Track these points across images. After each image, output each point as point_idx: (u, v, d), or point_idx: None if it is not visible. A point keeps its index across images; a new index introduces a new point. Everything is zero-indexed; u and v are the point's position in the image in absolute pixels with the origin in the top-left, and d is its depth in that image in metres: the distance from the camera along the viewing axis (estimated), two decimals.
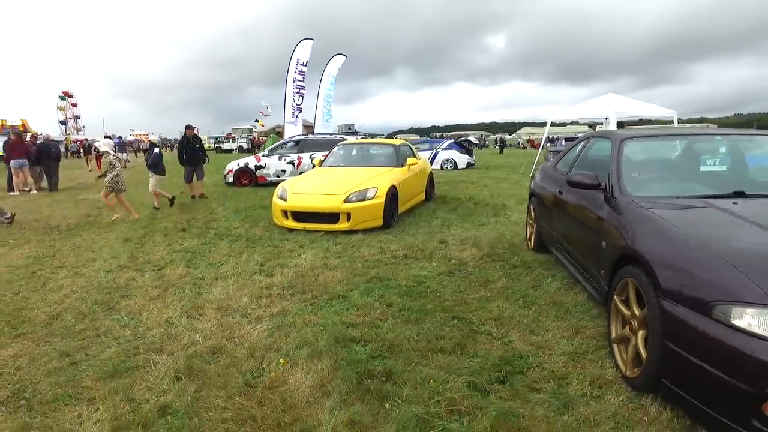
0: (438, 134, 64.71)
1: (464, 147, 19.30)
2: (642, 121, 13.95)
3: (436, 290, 3.98)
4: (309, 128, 19.66)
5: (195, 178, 10.11)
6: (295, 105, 18.18)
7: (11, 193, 11.32)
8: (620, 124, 12.77)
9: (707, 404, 1.89)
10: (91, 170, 19.08)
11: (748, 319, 1.77)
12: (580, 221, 3.54)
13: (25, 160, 11.36)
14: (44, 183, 12.33)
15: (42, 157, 12.03)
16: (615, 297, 2.67)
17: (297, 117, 18.21)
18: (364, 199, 6.38)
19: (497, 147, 41.07)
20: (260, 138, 43.27)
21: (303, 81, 18.35)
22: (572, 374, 2.57)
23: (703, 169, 3.29)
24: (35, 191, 11.75)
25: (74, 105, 59.42)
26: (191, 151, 10.16)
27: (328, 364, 2.71)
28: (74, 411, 2.32)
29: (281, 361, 2.75)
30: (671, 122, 13.12)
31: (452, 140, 21.06)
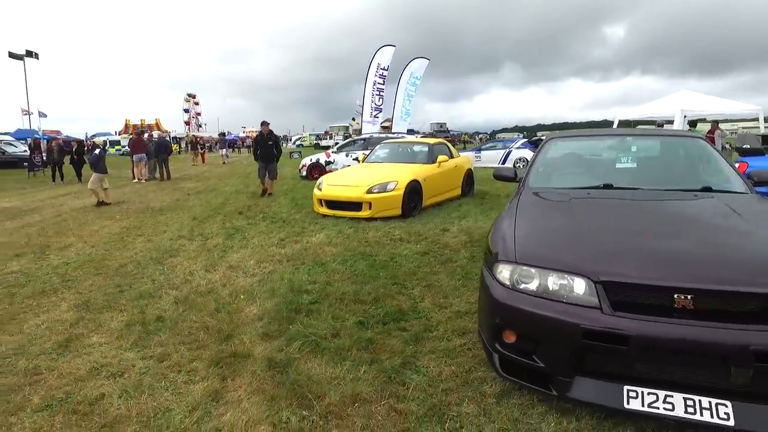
0: (521, 134, 62.47)
1: (537, 146, 19.12)
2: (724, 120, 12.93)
3: (400, 263, 4.80)
4: (387, 128, 20.88)
5: (267, 175, 10.06)
6: (374, 106, 19.48)
7: (134, 181, 14.10)
8: (693, 123, 12.08)
9: (481, 333, 2.56)
10: (194, 164, 22.15)
11: (503, 272, 2.42)
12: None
13: (144, 154, 14.03)
14: (156, 174, 15.01)
15: (158, 151, 14.69)
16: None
17: (375, 117, 19.49)
18: (385, 191, 7.29)
19: None
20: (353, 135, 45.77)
21: (383, 84, 19.58)
22: (444, 324, 3.30)
23: (613, 165, 3.74)
24: (153, 180, 14.43)
25: (197, 104, 67.36)
26: (264, 147, 10.08)
27: (275, 303, 3.74)
28: (110, 314, 3.62)
29: (242, 297, 3.85)
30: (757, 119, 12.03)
31: (525, 139, 20.95)
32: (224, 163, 23.58)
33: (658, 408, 1.96)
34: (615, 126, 14.78)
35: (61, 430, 2.24)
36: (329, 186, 7.77)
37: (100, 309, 3.73)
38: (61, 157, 14.57)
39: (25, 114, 25.33)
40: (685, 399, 1.95)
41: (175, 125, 62.51)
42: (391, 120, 21.32)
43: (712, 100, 12.08)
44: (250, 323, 3.40)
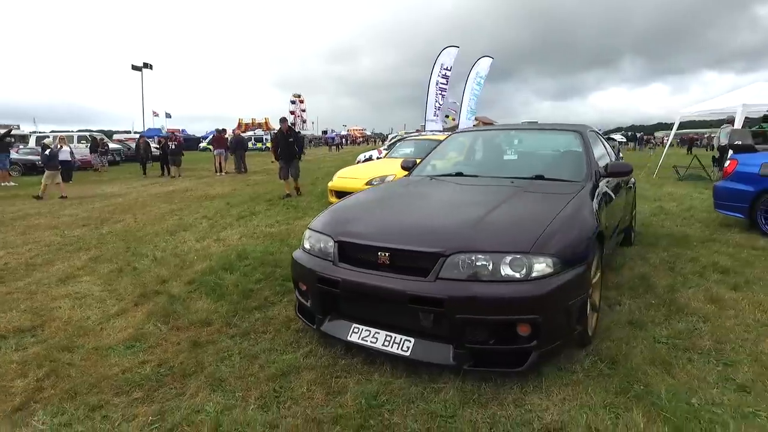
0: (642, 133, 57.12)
1: None
2: None
3: None
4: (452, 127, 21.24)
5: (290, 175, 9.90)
6: (437, 105, 20.06)
7: (217, 175, 16.41)
8: (766, 118, 10.94)
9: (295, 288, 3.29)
10: (273, 161, 24.45)
11: (306, 237, 3.15)
12: None
13: (223, 150, 16.27)
14: (230, 167, 17.25)
15: (235, 148, 16.89)
16: None
17: (437, 116, 20.05)
18: (382, 182, 8.08)
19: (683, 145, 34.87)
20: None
21: (446, 84, 20.07)
22: None
23: (484, 156, 4.23)
24: (234, 173, 16.66)
25: (302, 102, 72.58)
26: (285, 145, 9.73)
27: (216, 262, 4.82)
28: (106, 264, 4.98)
29: (195, 258, 5.01)
30: None
31: None
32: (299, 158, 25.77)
33: (367, 341, 2.61)
34: (676, 126, 13.72)
35: (21, 315, 3.49)
36: (338, 178, 8.75)
37: (103, 261, 5.12)
38: (148, 153, 17.28)
39: (155, 115, 30.09)
40: (386, 335, 2.58)
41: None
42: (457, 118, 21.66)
43: None
44: (186, 274, 4.51)
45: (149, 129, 37.26)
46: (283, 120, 10.14)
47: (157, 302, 3.77)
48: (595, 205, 3.14)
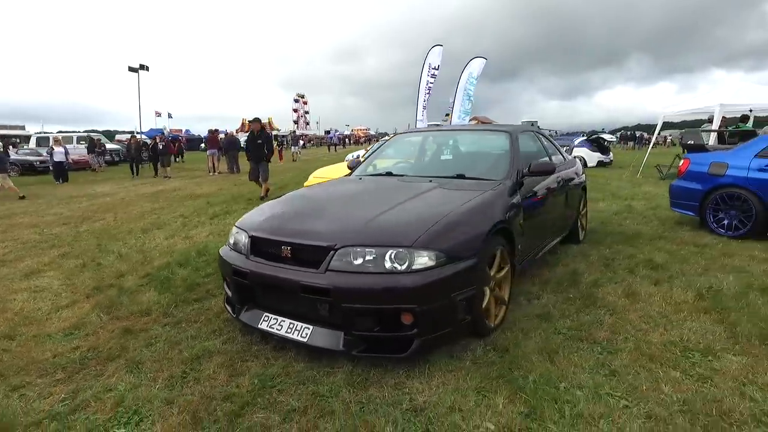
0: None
1: (596, 145, 18.29)
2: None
3: None
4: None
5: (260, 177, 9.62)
6: (424, 104, 20.25)
7: (209, 175, 16.70)
8: (744, 118, 11.02)
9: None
10: (269, 162, 24.68)
11: (232, 234, 3.36)
12: None
13: (216, 150, 16.56)
14: (224, 167, 17.53)
15: (228, 148, 17.17)
16: None
17: (425, 115, 20.24)
18: None
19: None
20: None
21: (433, 83, 20.28)
22: None
23: (416, 156, 4.44)
24: (224, 173, 16.94)
25: (305, 103, 72.88)
26: (254, 147, 9.49)
27: (174, 258, 5.06)
28: (73, 260, 5.24)
29: (157, 254, 5.25)
30: None
31: (584, 138, 20.08)
32: (294, 160, 26.03)
33: (273, 328, 2.83)
34: (659, 126, 13.79)
35: None
36: (313, 177, 8.95)
37: (71, 257, 5.38)
38: (139, 153, 17.53)
39: (158, 116, 30.51)
40: (290, 323, 2.79)
41: (287, 123, 68.42)
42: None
43: (760, 93, 10.83)
44: (144, 269, 4.75)
45: (151, 129, 37.70)
46: (254, 120, 9.85)
47: (108, 295, 4.01)
48: (507, 202, 3.33)
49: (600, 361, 2.70)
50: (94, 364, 2.80)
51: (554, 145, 5.29)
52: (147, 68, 22.18)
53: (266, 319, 2.89)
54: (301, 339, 2.70)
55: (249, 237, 3.02)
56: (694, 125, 16.86)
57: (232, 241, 3.25)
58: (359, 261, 2.57)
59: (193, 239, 6.15)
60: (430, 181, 3.62)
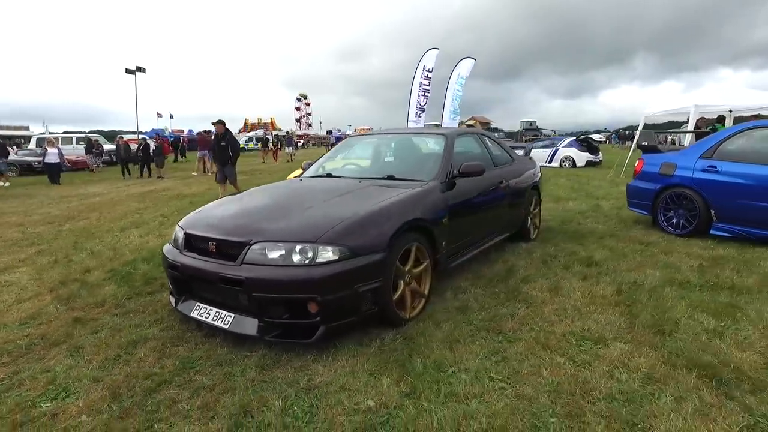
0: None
1: (585, 145, 18.46)
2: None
3: None
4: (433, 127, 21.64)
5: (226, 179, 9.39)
6: (419, 106, 20.49)
7: (193, 174, 17.03)
8: (721, 119, 11.17)
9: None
10: (264, 162, 25.00)
11: (174, 235, 3.65)
12: None
13: (206, 151, 16.87)
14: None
15: None
16: None
17: (420, 117, 20.47)
18: None
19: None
20: None
21: (428, 85, 20.50)
22: None
23: (358, 158, 4.72)
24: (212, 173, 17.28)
25: (308, 104, 73.17)
26: (218, 149, 9.41)
27: (144, 255, 5.35)
28: (47, 257, 5.55)
29: (128, 252, 5.56)
30: None
31: (573, 138, 20.26)
32: (288, 161, 26.34)
33: (202, 316, 3.11)
34: (641, 126, 13.93)
35: None
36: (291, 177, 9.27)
37: (46, 254, 5.70)
38: (128, 154, 17.76)
39: (160, 116, 30.96)
40: (216, 311, 3.08)
41: (290, 124, 68.86)
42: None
43: (739, 94, 10.99)
44: (111, 265, 5.05)
45: (153, 129, 38.25)
46: (217, 122, 9.53)
47: (70, 288, 4.31)
48: (429, 201, 3.59)
49: (496, 349, 2.94)
50: (38, 349, 3.09)
51: (502, 147, 5.52)
52: (144, 70, 22.59)
53: (197, 308, 3.17)
54: (224, 326, 2.97)
55: (184, 234, 3.31)
56: (678, 126, 16.98)
57: (173, 237, 3.53)
58: (272, 255, 2.84)
59: (166, 237, 6.44)
60: (360, 181, 3.89)
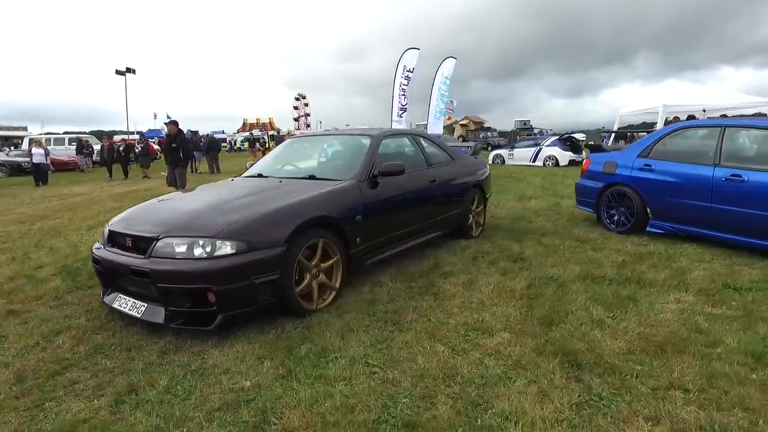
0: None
1: (568, 144, 18.63)
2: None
3: None
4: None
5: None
6: (399, 106, 20.76)
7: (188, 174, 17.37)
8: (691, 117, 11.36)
9: None
10: (253, 161, 25.41)
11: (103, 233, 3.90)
12: None
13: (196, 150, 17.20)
14: (205, 168, 18.17)
15: (208, 149, 17.81)
16: None
17: (401, 116, 20.73)
18: None
19: None
20: None
21: (407, 85, 20.77)
22: None
23: (289, 159, 4.99)
24: (204, 173, 17.59)
25: (306, 104, 73.27)
26: (168, 150, 9.05)
27: None
28: (8, 254, 5.81)
29: (84, 248, 5.82)
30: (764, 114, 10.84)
31: (556, 137, 20.43)
32: None
33: (121, 306, 3.37)
34: (616, 126, 14.14)
35: None
36: None
37: (6, 252, 5.96)
38: (111, 155, 17.84)
39: (155, 117, 31.27)
40: (132, 302, 3.33)
41: (289, 123, 68.93)
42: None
43: (706, 93, 11.17)
44: (64, 262, 5.31)
45: (149, 130, 38.64)
46: (170, 123, 9.30)
47: (17, 283, 4.57)
48: (341, 199, 3.83)
49: (384, 338, 3.16)
50: None
51: (442, 147, 5.73)
52: (133, 71, 22.93)
53: (118, 299, 3.43)
54: (138, 315, 3.23)
55: (108, 231, 3.57)
56: (651, 126, 17.12)
57: (102, 235, 3.79)
58: (178, 249, 3.09)
59: None
60: (281, 181, 4.15)
